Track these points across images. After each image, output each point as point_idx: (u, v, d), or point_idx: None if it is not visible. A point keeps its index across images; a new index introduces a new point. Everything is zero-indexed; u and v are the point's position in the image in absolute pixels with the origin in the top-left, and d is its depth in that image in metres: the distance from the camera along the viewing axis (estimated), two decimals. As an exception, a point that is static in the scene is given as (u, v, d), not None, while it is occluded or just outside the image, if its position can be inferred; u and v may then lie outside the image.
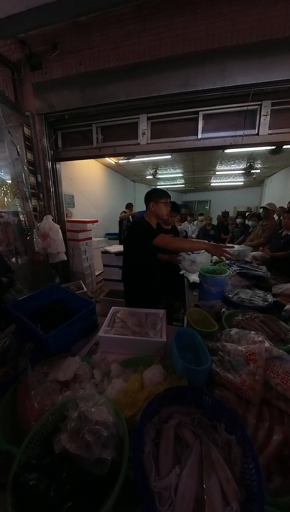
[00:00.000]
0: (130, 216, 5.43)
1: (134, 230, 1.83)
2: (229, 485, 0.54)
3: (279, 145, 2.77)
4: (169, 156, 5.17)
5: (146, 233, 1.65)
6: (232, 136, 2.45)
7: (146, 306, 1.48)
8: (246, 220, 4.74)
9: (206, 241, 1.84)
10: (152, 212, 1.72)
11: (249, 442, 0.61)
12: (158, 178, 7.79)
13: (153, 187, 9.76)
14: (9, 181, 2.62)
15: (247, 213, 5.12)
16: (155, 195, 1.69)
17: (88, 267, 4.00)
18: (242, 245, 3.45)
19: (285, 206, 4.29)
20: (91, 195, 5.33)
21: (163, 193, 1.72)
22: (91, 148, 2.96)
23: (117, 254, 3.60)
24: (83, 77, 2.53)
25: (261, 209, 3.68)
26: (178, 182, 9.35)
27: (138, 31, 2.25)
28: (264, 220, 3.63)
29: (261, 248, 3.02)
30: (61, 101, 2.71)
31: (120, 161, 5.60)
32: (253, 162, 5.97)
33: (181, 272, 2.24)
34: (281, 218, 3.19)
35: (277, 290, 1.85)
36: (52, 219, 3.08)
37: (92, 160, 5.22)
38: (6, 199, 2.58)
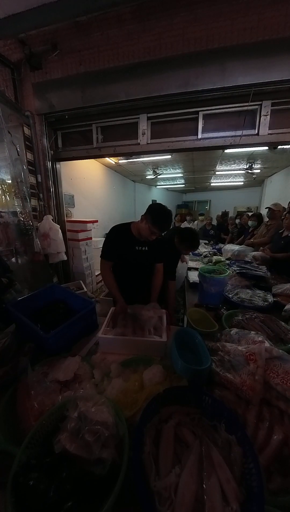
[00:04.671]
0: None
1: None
2: (229, 485, 0.54)
3: (279, 145, 2.75)
4: (169, 156, 5.15)
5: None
6: (232, 136, 2.45)
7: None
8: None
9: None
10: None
11: (249, 442, 0.61)
12: (158, 178, 7.77)
13: (153, 187, 9.76)
14: (9, 181, 2.62)
15: (249, 214, 5.09)
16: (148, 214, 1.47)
17: (88, 267, 4.00)
18: (242, 245, 3.46)
19: (286, 206, 4.28)
20: (91, 195, 5.31)
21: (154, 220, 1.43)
22: (91, 148, 2.96)
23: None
24: (83, 77, 2.53)
25: (267, 209, 3.64)
26: (178, 182, 9.33)
27: (138, 31, 2.25)
28: (269, 220, 3.62)
29: (261, 248, 3.02)
30: (61, 101, 2.70)
31: (120, 161, 5.58)
32: (253, 162, 5.95)
33: None
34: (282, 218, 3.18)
35: (277, 290, 1.86)
36: (52, 219, 3.08)
37: (92, 160, 5.20)
38: (5, 199, 2.58)
